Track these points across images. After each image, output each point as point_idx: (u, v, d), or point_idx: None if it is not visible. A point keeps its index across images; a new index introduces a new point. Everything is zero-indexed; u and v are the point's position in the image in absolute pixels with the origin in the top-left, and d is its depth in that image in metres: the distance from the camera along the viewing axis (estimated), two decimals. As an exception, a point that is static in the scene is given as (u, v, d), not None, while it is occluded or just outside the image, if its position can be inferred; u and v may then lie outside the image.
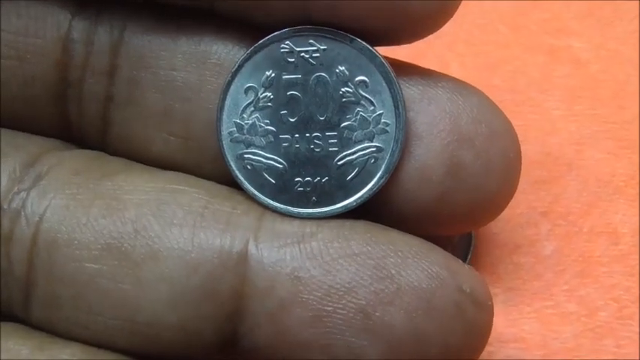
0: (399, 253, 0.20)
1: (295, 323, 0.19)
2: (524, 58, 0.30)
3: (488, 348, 0.24)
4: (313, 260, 0.19)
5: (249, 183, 0.21)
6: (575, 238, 0.26)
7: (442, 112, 0.20)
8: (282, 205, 0.20)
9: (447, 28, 0.30)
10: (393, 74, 0.20)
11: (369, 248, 0.20)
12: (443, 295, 0.19)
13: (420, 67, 0.21)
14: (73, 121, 0.22)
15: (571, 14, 0.31)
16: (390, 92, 0.20)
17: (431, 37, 0.30)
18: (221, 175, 0.21)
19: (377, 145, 0.20)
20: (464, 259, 0.26)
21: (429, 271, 0.19)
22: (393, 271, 0.19)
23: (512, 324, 0.25)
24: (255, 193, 0.21)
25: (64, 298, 0.20)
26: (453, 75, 0.29)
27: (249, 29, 0.21)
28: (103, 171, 0.21)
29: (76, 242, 0.20)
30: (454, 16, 0.31)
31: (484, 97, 0.21)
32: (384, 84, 0.20)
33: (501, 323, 0.25)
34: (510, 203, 0.26)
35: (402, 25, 0.20)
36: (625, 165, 0.27)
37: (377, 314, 0.19)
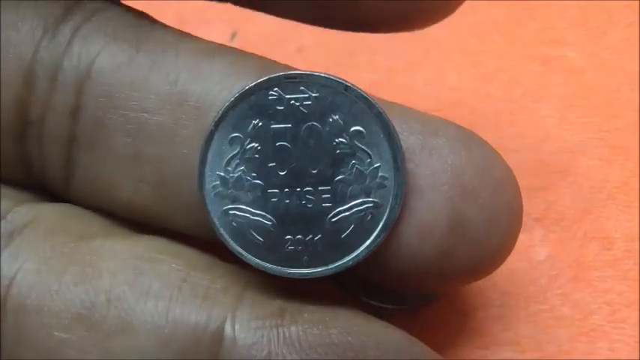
0: (379, 346, 0.18)
1: None
2: (519, 68, 0.30)
3: (484, 351, 0.25)
4: (290, 347, 0.18)
5: (235, 241, 0.19)
6: (569, 244, 0.26)
7: (444, 165, 0.19)
8: (271, 265, 0.19)
9: (445, 38, 0.31)
10: (391, 124, 0.18)
11: (350, 339, 0.18)
12: None
13: (419, 112, 0.20)
14: (34, 163, 0.21)
15: (565, 24, 0.31)
16: (389, 144, 0.18)
17: (428, 47, 0.31)
18: (197, 225, 0.20)
19: (374, 200, 0.19)
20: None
21: None
22: None
23: (507, 328, 0.25)
24: (242, 252, 0.19)
25: None
26: (450, 84, 0.30)
27: (232, 63, 0.19)
28: (80, 233, 0.20)
29: (45, 309, 0.18)
30: (451, 27, 0.31)
31: (487, 147, 0.20)
32: (382, 135, 0.18)
33: (497, 327, 0.25)
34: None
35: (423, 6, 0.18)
36: (618, 172, 0.28)
37: None
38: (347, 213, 0.19)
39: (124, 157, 0.20)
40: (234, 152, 0.19)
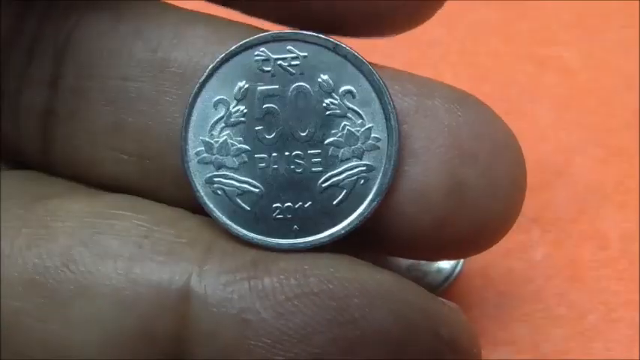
0: (365, 292, 0.16)
1: None
2: (514, 68, 0.30)
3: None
4: (264, 300, 0.16)
5: (220, 211, 0.18)
6: (565, 244, 0.27)
7: (440, 126, 0.18)
8: (258, 236, 0.17)
9: (441, 38, 0.31)
10: (383, 83, 0.17)
11: (331, 286, 0.16)
12: (416, 344, 0.17)
13: (412, 74, 0.19)
14: (10, 136, 0.20)
15: (560, 25, 0.31)
16: (381, 103, 0.17)
17: (424, 47, 0.31)
18: (184, 199, 0.18)
19: (367, 163, 0.17)
20: (456, 266, 0.27)
21: (400, 313, 0.16)
22: (357, 315, 0.16)
23: (504, 327, 0.25)
24: (227, 222, 0.18)
25: None
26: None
27: (216, 31, 0.18)
28: (39, 194, 0.18)
29: None
30: (447, 27, 0.32)
31: (485, 107, 0.19)
32: (374, 94, 0.17)
33: (493, 326, 0.25)
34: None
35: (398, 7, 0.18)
36: (613, 172, 0.28)
37: None
38: (338, 177, 0.18)
39: (105, 127, 0.19)
40: (219, 116, 0.18)
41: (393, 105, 0.17)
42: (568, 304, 0.26)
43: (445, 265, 0.26)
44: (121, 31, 0.19)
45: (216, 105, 0.18)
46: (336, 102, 0.17)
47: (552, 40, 0.31)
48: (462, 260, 0.26)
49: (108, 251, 0.17)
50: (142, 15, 0.19)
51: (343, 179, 0.18)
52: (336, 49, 0.17)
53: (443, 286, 0.26)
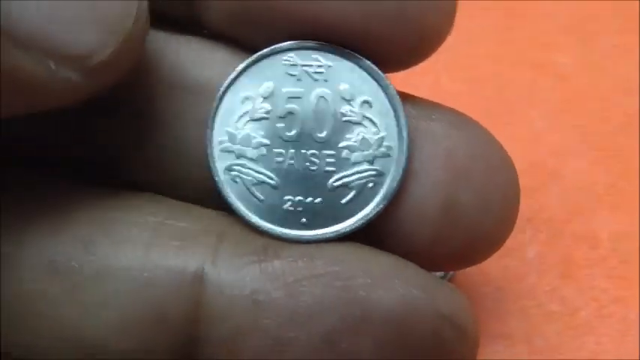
0: (370, 273, 0.17)
1: (253, 351, 0.17)
2: (511, 72, 0.31)
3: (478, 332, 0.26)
4: (275, 282, 0.17)
5: (235, 198, 0.19)
6: (558, 243, 0.27)
7: (437, 148, 0.19)
8: (268, 225, 0.19)
9: (439, 43, 0.32)
10: (397, 98, 0.19)
11: (336, 268, 0.17)
12: (418, 320, 0.17)
13: (413, 96, 0.20)
14: None
15: (555, 30, 0.32)
16: (395, 116, 0.18)
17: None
18: (204, 192, 0.19)
19: (377, 168, 0.19)
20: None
21: (403, 293, 0.17)
22: (362, 294, 0.17)
23: (499, 321, 0.26)
24: (241, 209, 0.19)
25: (4, 319, 0.17)
26: (444, 88, 0.31)
27: (234, 56, 0.19)
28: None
29: (17, 260, 0.17)
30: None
31: (481, 130, 0.19)
32: (389, 107, 0.19)
33: (490, 321, 0.26)
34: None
35: (412, 44, 0.18)
36: (605, 174, 0.29)
37: (343, 342, 0.17)
38: (349, 179, 0.19)
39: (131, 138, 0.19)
40: (245, 110, 0.19)
41: (406, 118, 0.18)
42: (560, 301, 0.26)
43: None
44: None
45: (243, 100, 0.19)
46: (354, 110, 0.18)
47: (548, 45, 0.32)
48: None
49: (125, 238, 0.18)
50: (163, 36, 0.20)
51: (353, 181, 0.19)
52: (359, 62, 0.18)
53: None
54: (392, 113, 0.19)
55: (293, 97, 0.19)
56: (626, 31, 0.32)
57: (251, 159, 0.19)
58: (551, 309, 0.26)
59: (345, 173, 0.19)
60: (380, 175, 0.19)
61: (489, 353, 0.26)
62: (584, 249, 0.27)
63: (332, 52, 0.19)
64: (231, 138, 0.19)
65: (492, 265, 0.27)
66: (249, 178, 0.19)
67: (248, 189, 0.19)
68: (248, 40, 0.19)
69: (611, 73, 0.31)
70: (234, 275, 0.17)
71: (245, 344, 0.17)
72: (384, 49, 0.18)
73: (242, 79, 0.19)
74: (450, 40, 0.32)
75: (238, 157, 0.19)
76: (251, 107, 0.19)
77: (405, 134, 0.18)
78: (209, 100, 0.19)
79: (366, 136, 0.19)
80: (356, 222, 0.19)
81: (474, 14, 0.33)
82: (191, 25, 0.19)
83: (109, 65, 0.16)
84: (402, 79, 0.31)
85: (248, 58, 0.19)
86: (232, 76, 0.19)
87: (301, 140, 0.19)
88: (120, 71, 0.16)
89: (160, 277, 0.17)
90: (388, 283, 0.17)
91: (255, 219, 0.19)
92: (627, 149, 0.29)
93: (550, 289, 0.27)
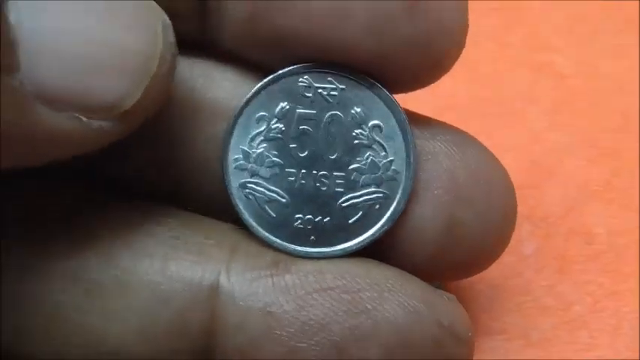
0: (376, 287, 0.18)
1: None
2: (510, 73, 0.31)
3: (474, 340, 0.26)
4: (286, 294, 0.18)
5: (248, 213, 0.19)
6: (554, 239, 0.28)
7: (440, 169, 0.19)
8: (279, 241, 0.19)
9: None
10: (407, 123, 0.19)
11: (344, 282, 0.18)
12: (421, 330, 0.18)
13: (417, 115, 0.20)
14: None
15: (553, 32, 0.32)
16: (404, 141, 0.19)
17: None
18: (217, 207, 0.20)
19: (384, 191, 0.19)
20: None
21: (406, 305, 0.18)
22: (369, 306, 0.18)
23: (496, 317, 0.26)
24: (253, 224, 0.19)
25: (28, 327, 0.18)
26: (445, 89, 0.31)
27: (243, 75, 0.20)
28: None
29: (45, 272, 0.18)
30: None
31: (482, 150, 0.20)
32: (399, 131, 0.19)
33: (486, 316, 0.26)
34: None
35: (424, 68, 0.19)
36: (601, 171, 0.29)
37: (352, 351, 0.18)
38: (357, 200, 0.19)
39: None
40: (260, 130, 0.19)
41: (415, 144, 0.19)
42: (555, 296, 0.26)
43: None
44: None
45: (258, 120, 0.19)
46: (364, 133, 0.19)
47: (546, 46, 0.32)
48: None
49: (145, 250, 0.19)
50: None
51: (361, 202, 0.19)
52: (371, 87, 0.19)
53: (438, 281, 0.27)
54: (400, 138, 0.19)
55: (307, 119, 0.19)
56: (623, 33, 0.32)
57: (264, 177, 0.19)
58: (547, 304, 0.26)
59: (353, 194, 0.19)
60: (386, 197, 0.19)
61: (486, 349, 0.26)
62: (579, 245, 0.28)
63: (346, 76, 0.19)
64: (246, 156, 0.19)
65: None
66: (262, 195, 0.19)
67: (260, 206, 0.19)
68: (258, 60, 0.19)
69: (608, 74, 0.31)
70: (248, 288, 0.18)
71: (259, 353, 0.18)
72: (396, 72, 0.19)
73: (258, 98, 0.19)
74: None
75: (252, 175, 0.19)
76: (265, 127, 0.19)
77: (412, 159, 0.19)
78: (221, 119, 0.19)
79: (375, 159, 0.19)
80: (362, 241, 0.19)
81: (473, 16, 0.33)
82: (202, 45, 0.20)
83: (140, 107, 0.16)
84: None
85: (259, 78, 0.19)
86: (248, 95, 0.19)
87: (313, 161, 0.19)
88: (151, 109, 0.17)
89: (179, 289, 0.18)
90: (393, 295, 0.18)
91: (266, 235, 0.19)
92: (622, 148, 0.29)
93: (545, 284, 0.27)
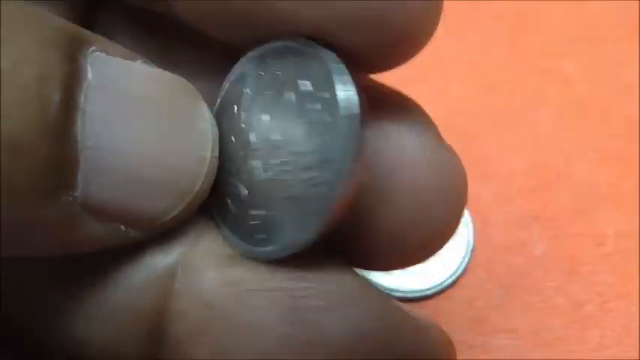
0: (325, 295, 0.16)
1: (199, 355, 0.17)
2: (519, 79, 0.32)
3: (484, 337, 0.27)
4: (230, 288, 0.16)
5: (213, 208, 0.17)
6: (563, 240, 0.28)
7: (398, 165, 0.17)
8: (236, 240, 0.17)
9: (450, 51, 0.33)
10: (357, 105, 0.15)
11: (294, 284, 0.16)
12: (366, 353, 0.16)
13: (382, 104, 0.18)
14: None
15: (562, 38, 0.33)
16: (349, 126, 0.15)
17: (435, 60, 0.33)
18: None
19: (328, 179, 0.15)
20: (462, 260, 0.28)
21: (356, 322, 0.16)
22: (311, 317, 0.16)
23: (505, 316, 0.27)
24: (220, 222, 0.17)
25: None
26: (455, 94, 0.32)
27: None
28: None
29: None
30: (457, 41, 0.33)
31: (428, 128, 0.18)
32: (345, 115, 0.15)
33: (497, 315, 0.27)
34: (505, 209, 0.29)
35: (394, 47, 0.17)
36: (608, 174, 0.29)
37: None
38: (303, 187, 0.16)
39: None
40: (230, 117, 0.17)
41: (359, 129, 0.16)
42: (566, 296, 0.27)
43: (450, 260, 0.28)
44: None
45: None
46: (309, 115, 0.16)
47: (554, 53, 0.33)
48: (467, 256, 0.28)
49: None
50: None
51: (307, 189, 0.16)
52: (324, 58, 0.16)
53: (449, 280, 0.28)
54: (346, 123, 0.15)
55: (264, 104, 0.17)
56: (629, 39, 0.33)
57: (230, 171, 0.17)
58: (557, 303, 0.27)
59: (299, 180, 0.16)
60: (331, 184, 0.16)
61: (496, 348, 0.26)
62: (589, 246, 0.28)
63: (302, 54, 0.16)
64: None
65: (499, 262, 0.28)
66: (227, 188, 0.17)
67: (224, 200, 0.17)
68: (222, 38, 0.17)
69: (615, 79, 0.32)
70: (198, 277, 0.17)
71: (193, 346, 0.17)
72: (364, 51, 0.16)
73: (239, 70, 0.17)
74: (460, 48, 0.33)
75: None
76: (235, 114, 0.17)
77: (356, 145, 0.15)
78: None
79: (316, 143, 0.16)
80: (312, 233, 0.16)
81: (483, 23, 0.34)
82: (169, 22, 0.18)
83: (175, 220, 0.16)
84: (416, 86, 0.32)
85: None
86: (221, 93, 0.17)
87: (267, 148, 0.16)
88: (183, 220, 0.17)
89: (138, 269, 0.17)
90: (342, 308, 0.16)
91: (227, 233, 0.17)
92: (629, 151, 0.30)
93: (555, 284, 0.27)
